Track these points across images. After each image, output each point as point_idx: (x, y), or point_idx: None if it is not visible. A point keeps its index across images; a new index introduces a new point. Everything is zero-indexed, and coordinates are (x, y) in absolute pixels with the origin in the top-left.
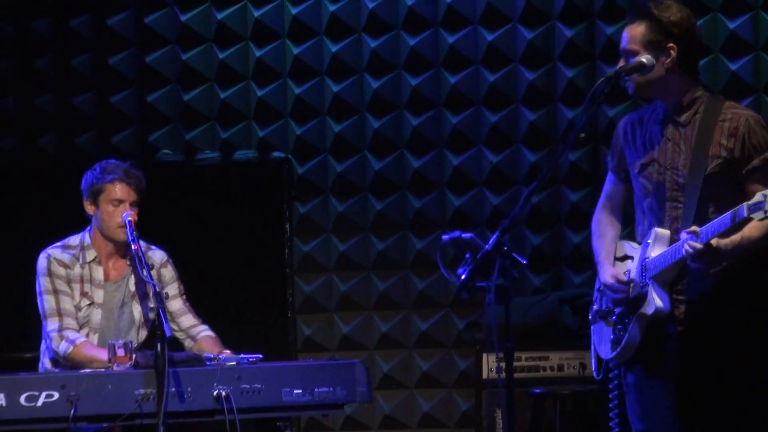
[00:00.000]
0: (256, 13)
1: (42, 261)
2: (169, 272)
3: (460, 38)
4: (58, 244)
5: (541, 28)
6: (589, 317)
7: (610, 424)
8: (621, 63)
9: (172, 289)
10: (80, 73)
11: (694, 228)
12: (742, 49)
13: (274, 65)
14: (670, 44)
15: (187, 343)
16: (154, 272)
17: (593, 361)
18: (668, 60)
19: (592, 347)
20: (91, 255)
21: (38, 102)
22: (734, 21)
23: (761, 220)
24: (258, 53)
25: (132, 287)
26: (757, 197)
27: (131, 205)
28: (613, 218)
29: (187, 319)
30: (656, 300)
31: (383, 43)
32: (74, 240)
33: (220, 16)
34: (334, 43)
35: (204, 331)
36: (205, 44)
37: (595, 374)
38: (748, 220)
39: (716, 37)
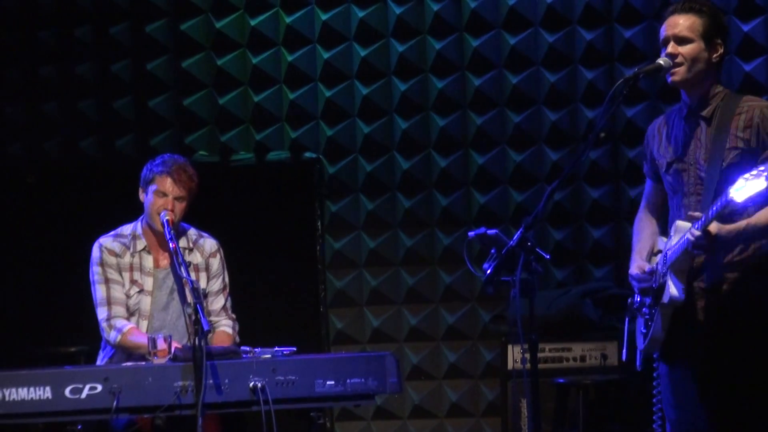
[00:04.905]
0: (288, 20)
1: (95, 250)
2: (216, 263)
3: (484, 42)
4: (111, 233)
5: (562, 32)
6: (627, 311)
7: (654, 416)
8: (670, 47)
9: (216, 284)
10: (119, 79)
11: (696, 213)
12: (755, 50)
13: (305, 69)
14: (719, 41)
15: None
16: (202, 260)
17: (637, 353)
18: (716, 55)
19: (625, 339)
20: (141, 244)
21: (80, 106)
22: (748, 24)
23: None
24: (290, 58)
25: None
26: (739, 182)
27: (175, 199)
28: (651, 216)
29: (215, 313)
30: (671, 289)
31: (410, 47)
32: (126, 229)
33: (253, 22)
34: (363, 48)
35: (222, 327)
36: (238, 50)
37: (638, 366)
38: (731, 201)
39: (731, 39)
